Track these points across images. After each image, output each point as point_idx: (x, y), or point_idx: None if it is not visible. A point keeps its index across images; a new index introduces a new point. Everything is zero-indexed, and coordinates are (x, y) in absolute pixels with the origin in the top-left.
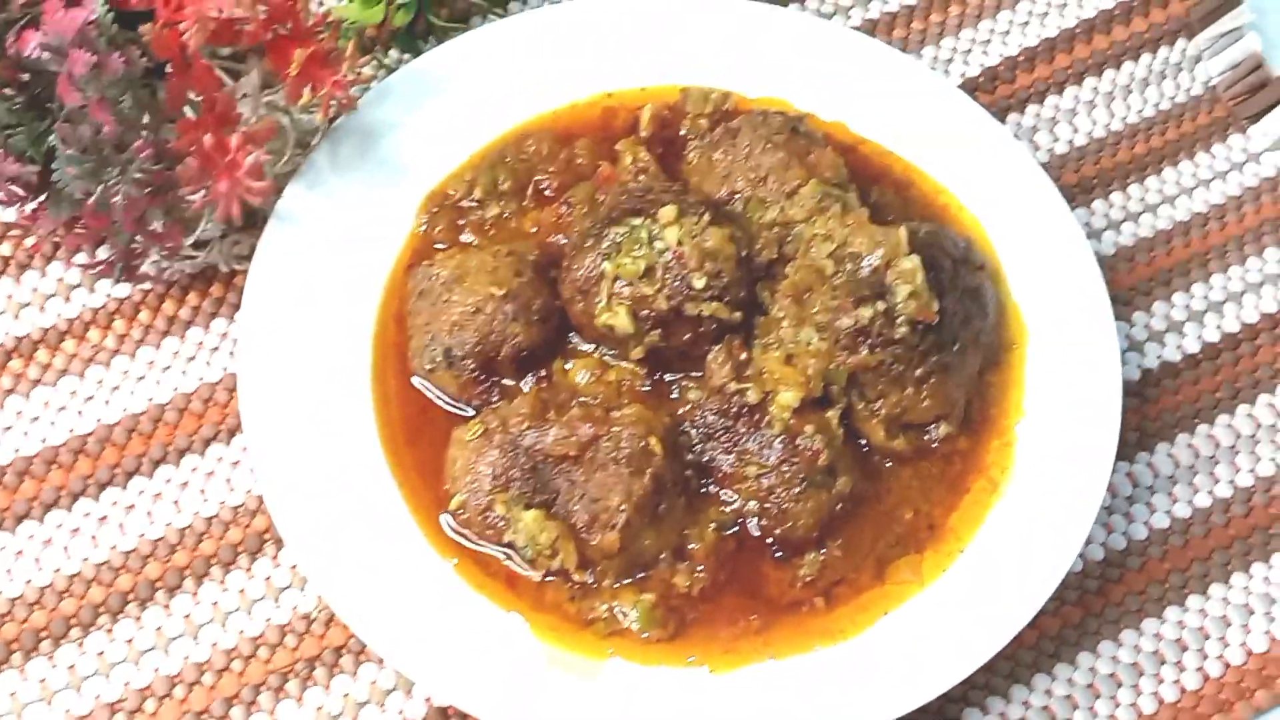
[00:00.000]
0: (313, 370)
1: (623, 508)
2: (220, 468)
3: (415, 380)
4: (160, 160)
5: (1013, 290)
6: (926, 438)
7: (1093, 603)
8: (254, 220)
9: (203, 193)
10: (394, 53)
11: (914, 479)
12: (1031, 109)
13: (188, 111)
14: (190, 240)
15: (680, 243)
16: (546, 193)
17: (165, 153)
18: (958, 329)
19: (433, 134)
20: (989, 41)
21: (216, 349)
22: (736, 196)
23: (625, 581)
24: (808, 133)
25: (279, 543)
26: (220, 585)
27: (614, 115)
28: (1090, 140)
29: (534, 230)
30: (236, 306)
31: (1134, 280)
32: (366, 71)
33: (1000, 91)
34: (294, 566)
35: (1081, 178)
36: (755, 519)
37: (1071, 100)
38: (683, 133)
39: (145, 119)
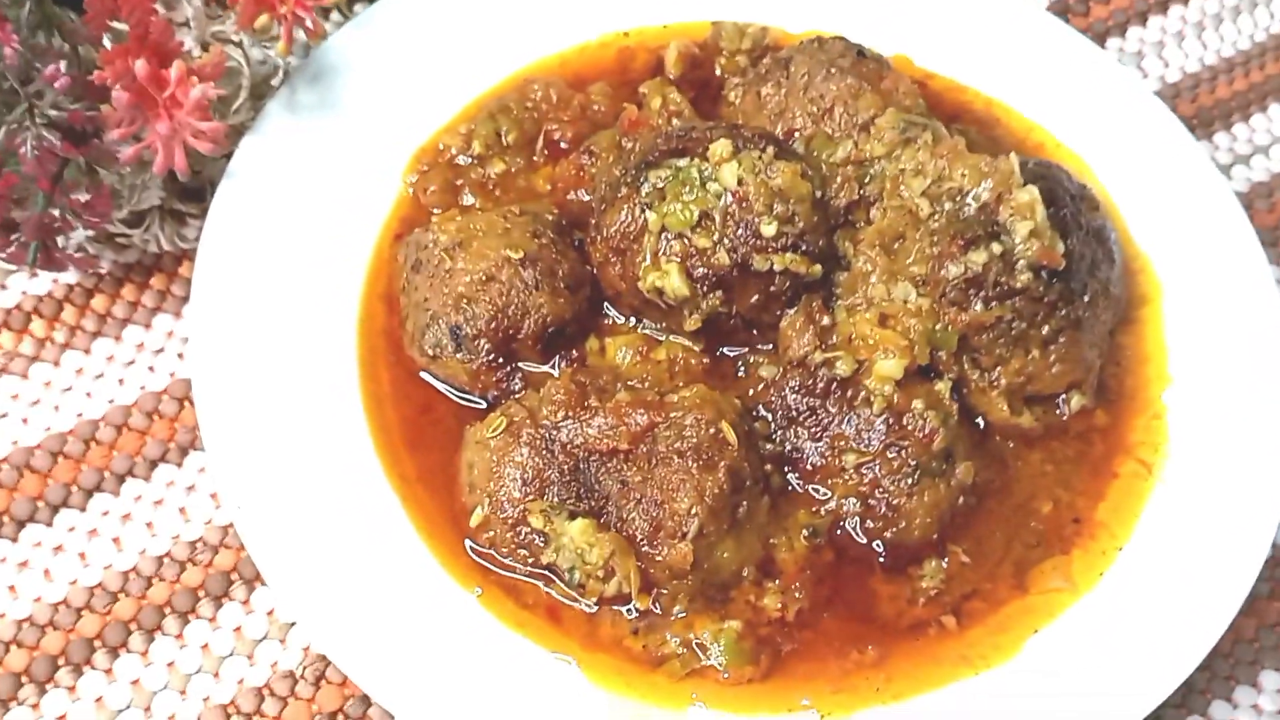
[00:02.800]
0: (284, 370)
1: (694, 511)
2: (171, 494)
3: (417, 371)
4: (80, 99)
5: (1135, 237)
6: (1058, 412)
7: None
8: (201, 194)
9: (135, 142)
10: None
11: (1047, 463)
12: (1133, 32)
13: (109, 42)
14: (123, 213)
15: (741, 182)
16: (560, 144)
17: (87, 89)
18: (1085, 276)
19: (419, 79)
20: None
21: (161, 351)
22: (795, 135)
23: (702, 606)
24: (876, 56)
25: (250, 584)
26: (178, 640)
27: (632, 57)
28: (1203, 67)
29: (549, 188)
30: (184, 300)
31: (1275, 220)
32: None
33: (1095, 13)
34: (271, 612)
35: (1199, 108)
36: (857, 520)
37: (1177, 22)
38: (717, 72)
39: (59, 44)
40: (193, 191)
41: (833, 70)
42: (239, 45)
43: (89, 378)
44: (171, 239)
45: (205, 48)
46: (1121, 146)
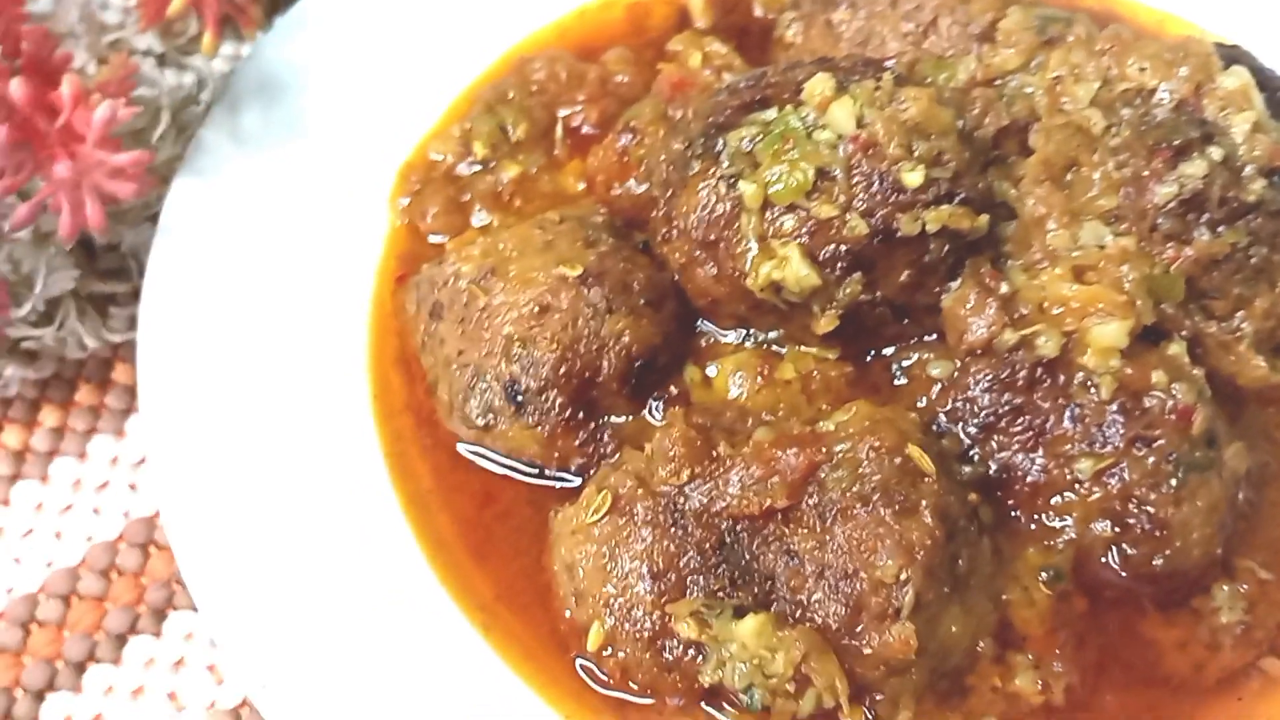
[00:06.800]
0: (285, 491)
1: (905, 576)
2: (152, 677)
3: (462, 449)
4: None
5: None
6: None
7: None
8: (125, 269)
9: (25, 199)
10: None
11: None
12: None
13: None
14: (25, 309)
15: (863, 122)
16: (584, 129)
17: None
18: None
19: (390, 76)
20: None
21: (105, 486)
22: (889, 65)
23: (934, 706)
24: None
25: None
26: None
27: (646, 12)
28: None
29: (584, 186)
30: (125, 413)
31: None
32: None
33: None
34: None
35: None
36: (1111, 549)
37: None
38: (757, 12)
39: None
40: (112, 268)
41: None
42: (150, 56)
43: (13, 538)
44: (96, 333)
45: (102, 63)
46: None
